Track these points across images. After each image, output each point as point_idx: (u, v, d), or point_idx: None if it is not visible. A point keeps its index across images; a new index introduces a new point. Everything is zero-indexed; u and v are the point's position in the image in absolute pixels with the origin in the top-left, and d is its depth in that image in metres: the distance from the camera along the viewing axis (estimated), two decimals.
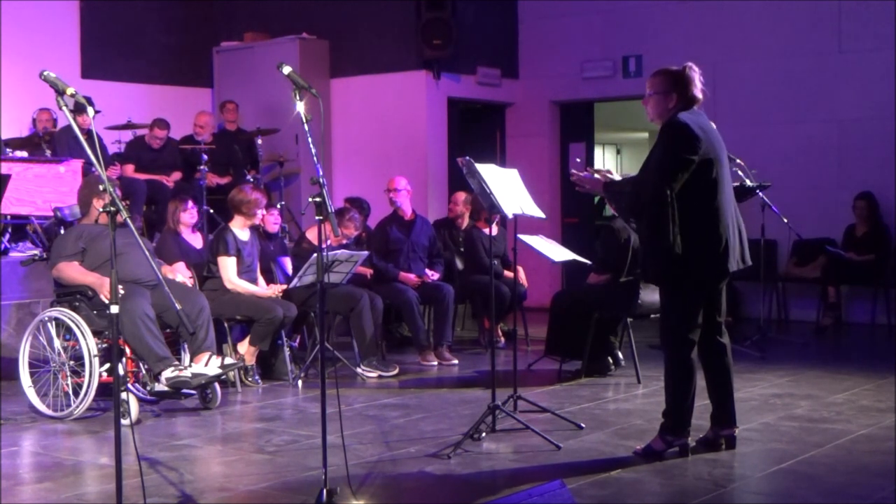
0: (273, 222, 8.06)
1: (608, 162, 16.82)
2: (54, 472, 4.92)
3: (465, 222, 9.09)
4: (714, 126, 5.00)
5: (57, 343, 6.14)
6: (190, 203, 7.51)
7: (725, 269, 4.89)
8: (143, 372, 6.24)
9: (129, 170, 9.69)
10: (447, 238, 9.13)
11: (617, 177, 5.20)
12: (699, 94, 4.94)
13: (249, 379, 7.08)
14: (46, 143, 9.21)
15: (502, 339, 8.90)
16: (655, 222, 4.82)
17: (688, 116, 4.86)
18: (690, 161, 4.77)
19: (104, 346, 6.04)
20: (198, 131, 10.11)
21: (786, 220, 8.62)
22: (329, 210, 4.23)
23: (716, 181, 4.85)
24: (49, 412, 6.05)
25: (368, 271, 8.12)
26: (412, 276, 8.21)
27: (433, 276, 8.31)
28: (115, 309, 3.71)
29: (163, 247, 7.46)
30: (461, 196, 9.15)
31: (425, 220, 8.72)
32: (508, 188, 5.65)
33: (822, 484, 4.60)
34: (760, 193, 8.14)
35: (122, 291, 5.36)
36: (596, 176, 5.15)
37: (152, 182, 9.63)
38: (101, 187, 3.92)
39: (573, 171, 5.24)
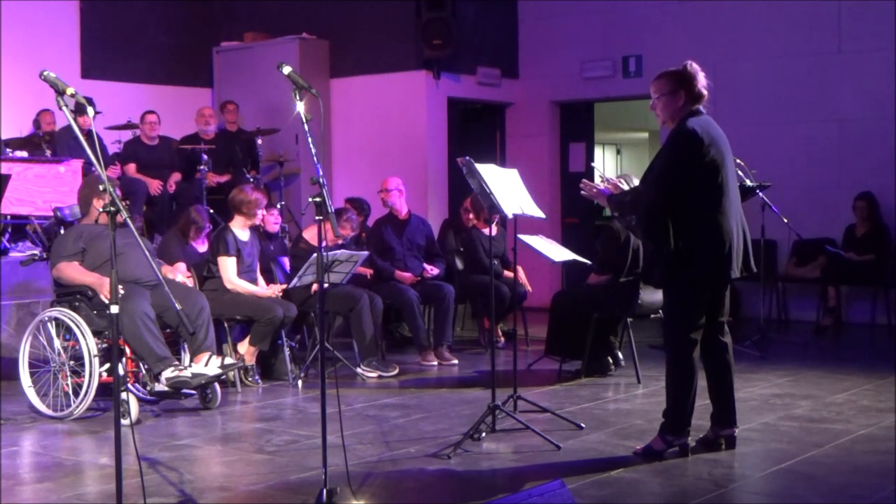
0: (273, 222, 8.07)
1: (608, 162, 16.81)
2: (54, 472, 4.92)
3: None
4: (721, 131, 5.01)
5: (57, 343, 6.14)
6: (205, 232, 7.60)
7: (728, 273, 4.89)
8: (143, 372, 6.24)
9: (131, 169, 9.70)
10: (452, 238, 9.09)
11: (624, 186, 5.22)
12: (704, 90, 4.96)
13: (249, 379, 7.08)
14: (46, 143, 9.21)
15: (502, 339, 8.90)
16: (655, 230, 4.84)
17: (696, 122, 4.87)
18: (692, 169, 4.78)
19: (104, 346, 6.04)
20: (208, 121, 10.12)
21: (786, 220, 8.62)
22: (329, 210, 4.23)
23: (721, 185, 4.86)
24: (49, 412, 6.05)
25: (369, 271, 8.12)
26: (408, 275, 8.21)
27: (432, 270, 8.29)
28: (115, 309, 3.70)
29: (166, 247, 7.49)
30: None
31: (421, 220, 8.71)
32: (508, 188, 5.65)
33: (822, 484, 4.61)
34: (760, 193, 8.14)
35: (122, 291, 5.36)
36: (603, 186, 5.17)
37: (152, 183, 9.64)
38: (101, 187, 3.92)
39: (584, 182, 5.24)
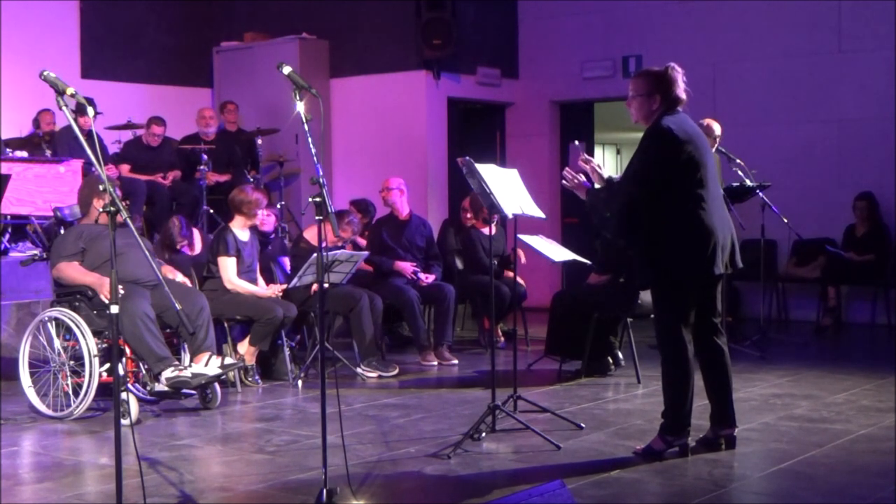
0: (261, 222, 7.90)
1: (608, 162, 16.80)
2: (54, 472, 4.93)
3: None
4: (698, 129, 4.99)
5: (57, 343, 6.14)
6: (191, 234, 7.66)
7: (712, 272, 4.88)
8: (143, 372, 6.24)
9: (125, 169, 9.69)
10: (452, 238, 9.07)
11: (604, 173, 5.17)
12: (682, 95, 4.93)
13: (249, 379, 7.08)
14: (46, 143, 9.22)
15: (502, 339, 8.90)
16: (629, 227, 4.83)
17: (671, 121, 4.85)
18: (669, 167, 4.77)
19: (104, 346, 6.04)
20: (208, 122, 10.14)
21: (786, 220, 8.61)
22: (329, 210, 4.23)
23: (702, 183, 4.85)
24: (49, 412, 6.05)
25: (371, 268, 8.12)
26: (407, 265, 8.19)
27: (427, 279, 8.28)
28: (115, 309, 3.70)
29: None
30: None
31: (422, 221, 8.71)
32: (508, 188, 5.65)
33: (822, 484, 4.60)
34: (760, 193, 8.13)
35: (122, 291, 5.36)
36: (584, 173, 5.12)
37: (149, 182, 9.63)
38: (101, 187, 3.92)
39: (567, 170, 5.20)
